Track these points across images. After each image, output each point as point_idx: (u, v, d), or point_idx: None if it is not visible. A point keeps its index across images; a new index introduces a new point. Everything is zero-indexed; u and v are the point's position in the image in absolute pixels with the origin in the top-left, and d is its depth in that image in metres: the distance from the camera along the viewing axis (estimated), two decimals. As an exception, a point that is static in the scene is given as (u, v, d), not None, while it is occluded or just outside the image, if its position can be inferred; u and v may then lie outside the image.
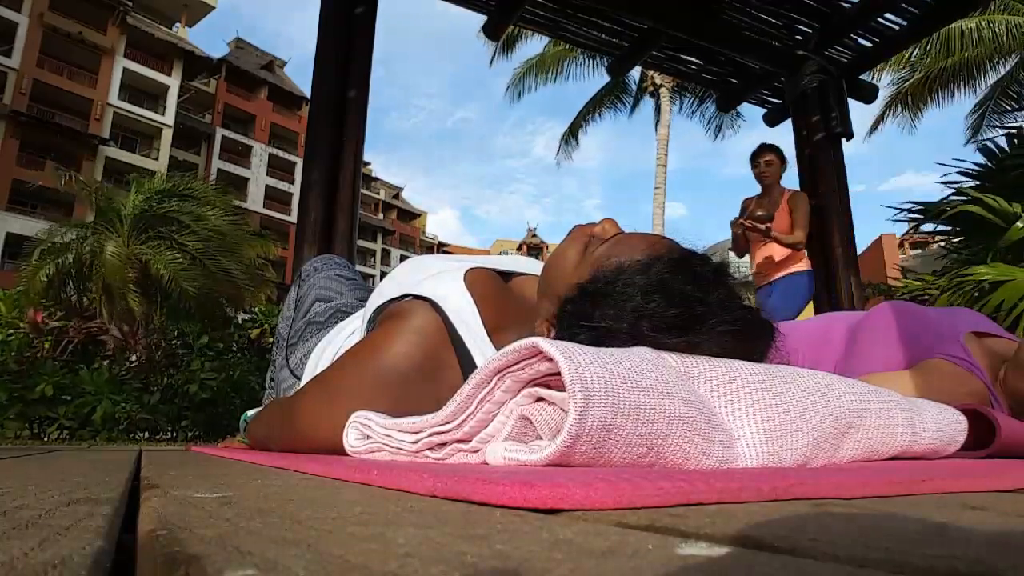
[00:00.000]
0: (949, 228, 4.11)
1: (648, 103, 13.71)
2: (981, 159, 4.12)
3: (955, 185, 4.09)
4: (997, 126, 9.18)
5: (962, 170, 4.14)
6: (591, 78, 10.61)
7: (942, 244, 4.37)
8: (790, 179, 4.16)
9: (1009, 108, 9.32)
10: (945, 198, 4.08)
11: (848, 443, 0.65)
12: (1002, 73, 9.34)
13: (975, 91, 9.50)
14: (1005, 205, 3.47)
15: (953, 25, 8.32)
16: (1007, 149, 4.01)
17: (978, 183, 3.93)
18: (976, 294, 3.06)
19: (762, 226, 3.18)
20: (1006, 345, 1.13)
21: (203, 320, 6.33)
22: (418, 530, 0.23)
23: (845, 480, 0.38)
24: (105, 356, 5.43)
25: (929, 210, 4.12)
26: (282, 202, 30.88)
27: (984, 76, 9.34)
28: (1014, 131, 4.11)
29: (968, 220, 3.67)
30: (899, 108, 9.98)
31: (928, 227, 4.33)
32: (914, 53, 9.14)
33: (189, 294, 6.86)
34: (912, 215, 4.27)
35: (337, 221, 2.65)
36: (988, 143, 4.19)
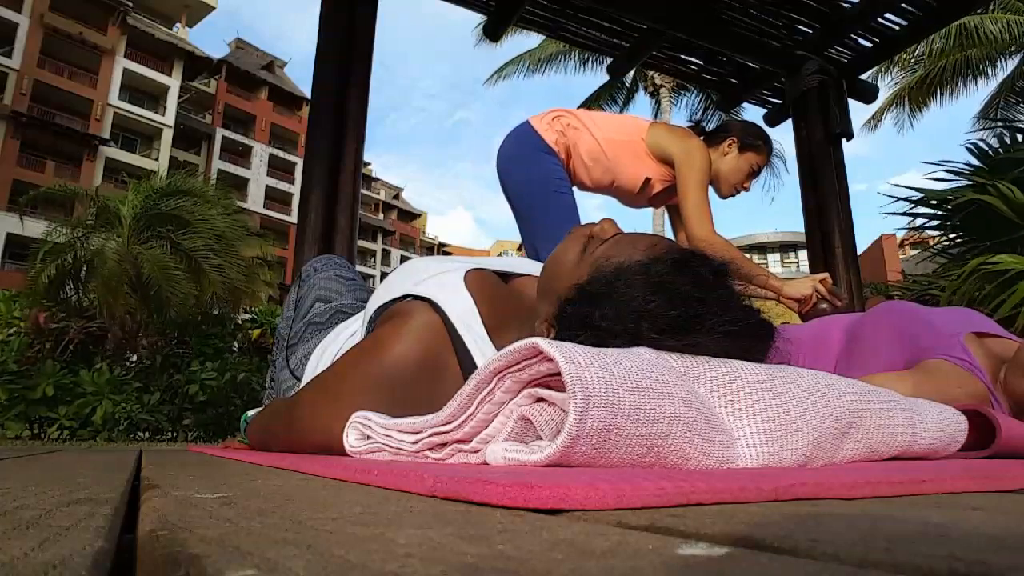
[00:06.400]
0: (942, 218, 3.87)
1: (642, 99, 13.81)
2: (972, 160, 3.91)
3: (945, 182, 3.93)
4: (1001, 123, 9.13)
5: (952, 169, 3.94)
6: (582, 75, 10.62)
7: (944, 239, 4.19)
8: (790, 179, 4.14)
9: (1015, 102, 9.21)
10: (951, 191, 3.81)
11: (848, 443, 0.65)
12: (1009, 70, 9.28)
13: (977, 88, 9.46)
14: (1021, 196, 3.13)
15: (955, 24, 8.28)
16: (1000, 150, 3.83)
17: (971, 183, 3.75)
18: (983, 290, 2.91)
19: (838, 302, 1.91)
20: (1006, 346, 1.13)
21: (201, 320, 6.33)
22: (418, 530, 0.23)
23: (845, 480, 0.38)
24: (105, 356, 5.43)
25: (929, 199, 3.84)
26: (282, 202, 30.86)
27: (988, 73, 9.29)
28: (1004, 127, 3.96)
29: (971, 214, 3.48)
30: (898, 106, 9.94)
31: (923, 221, 4.16)
32: (917, 50, 9.08)
33: (187, 294, 6.86)
34: (910, 204, 3.97)
35: (337, 221, 2.65)
36: (980, 142, 4.00)
